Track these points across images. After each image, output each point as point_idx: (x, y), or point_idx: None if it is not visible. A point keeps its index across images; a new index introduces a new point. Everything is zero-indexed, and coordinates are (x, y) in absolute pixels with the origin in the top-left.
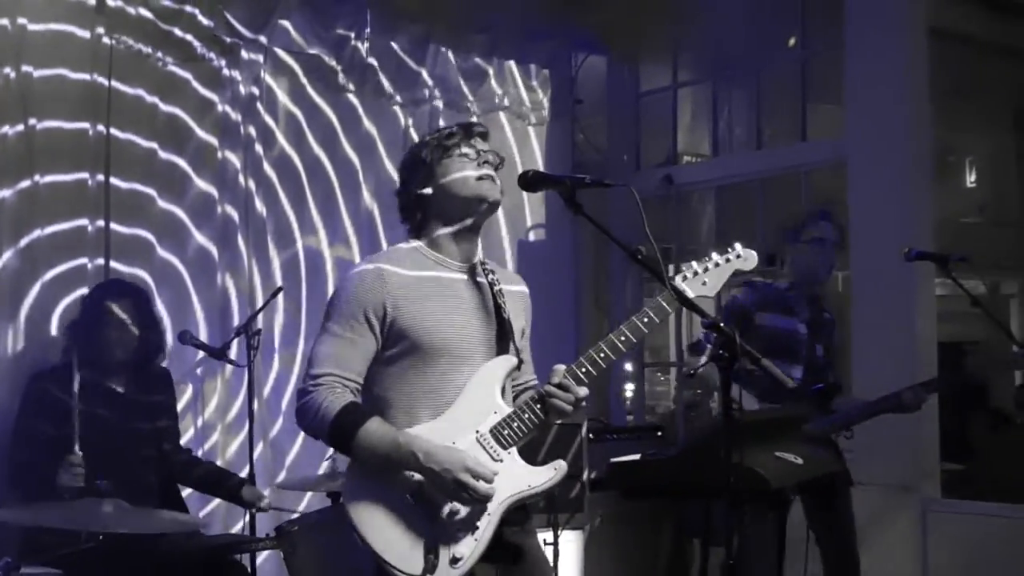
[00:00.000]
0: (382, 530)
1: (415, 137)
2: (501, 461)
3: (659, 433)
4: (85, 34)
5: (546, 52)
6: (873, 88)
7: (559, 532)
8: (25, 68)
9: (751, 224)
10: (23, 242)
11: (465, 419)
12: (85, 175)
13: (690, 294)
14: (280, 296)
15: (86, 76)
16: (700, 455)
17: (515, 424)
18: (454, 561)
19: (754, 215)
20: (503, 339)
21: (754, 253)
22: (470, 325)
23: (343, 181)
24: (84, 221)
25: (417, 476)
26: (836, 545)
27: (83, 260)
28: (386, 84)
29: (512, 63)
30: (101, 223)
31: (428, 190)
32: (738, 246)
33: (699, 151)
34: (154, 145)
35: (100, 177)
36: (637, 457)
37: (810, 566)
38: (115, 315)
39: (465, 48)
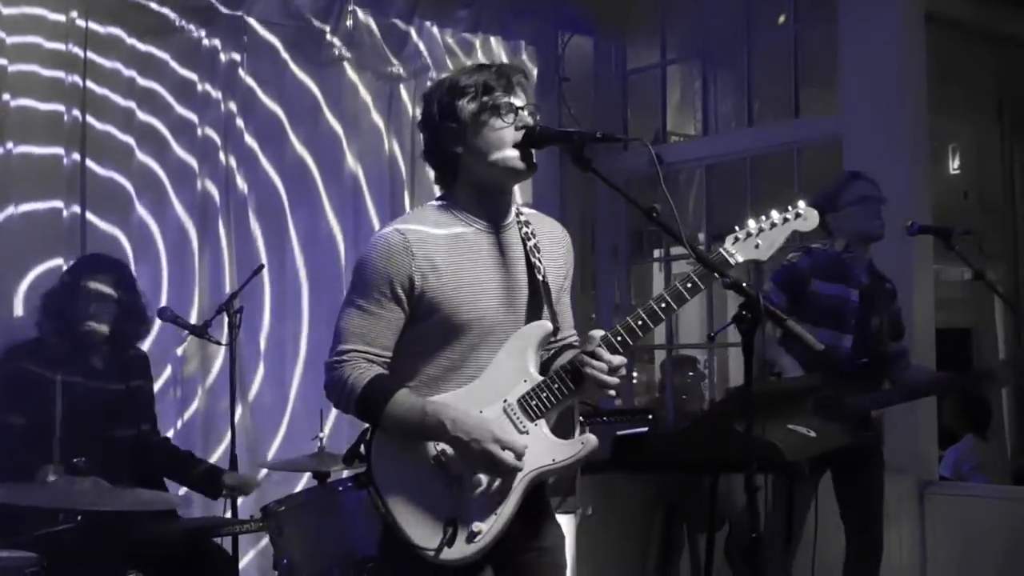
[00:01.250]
0: (402, 500)
1: (409, 106)
2: (527, 432)
3: (650, 416)
4: (59, 17)
5: (532, 29)
6: (868, 63)
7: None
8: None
9: (741, 204)
10: None
11: (493, 387)
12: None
13: (739, 258)
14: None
15: (61, 52)
16: (710, 428)
17: (544, 395)
18: (472, 536)
19: (744, 195)
20: (537, 303)
21: (815, 212)
22: (502, 292)
23: (326, 154)
24: (59, 203)
25: (442, 446)
26: (859, 526)
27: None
28: (370, 56)
29: (498, 39)
30: (77, 208)
31: (459, 148)
32: (800, 204)
33: (687, 131)
34: (131, 105)
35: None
36: (644, 430)
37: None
38: (95, 291)
39: (451, 23)
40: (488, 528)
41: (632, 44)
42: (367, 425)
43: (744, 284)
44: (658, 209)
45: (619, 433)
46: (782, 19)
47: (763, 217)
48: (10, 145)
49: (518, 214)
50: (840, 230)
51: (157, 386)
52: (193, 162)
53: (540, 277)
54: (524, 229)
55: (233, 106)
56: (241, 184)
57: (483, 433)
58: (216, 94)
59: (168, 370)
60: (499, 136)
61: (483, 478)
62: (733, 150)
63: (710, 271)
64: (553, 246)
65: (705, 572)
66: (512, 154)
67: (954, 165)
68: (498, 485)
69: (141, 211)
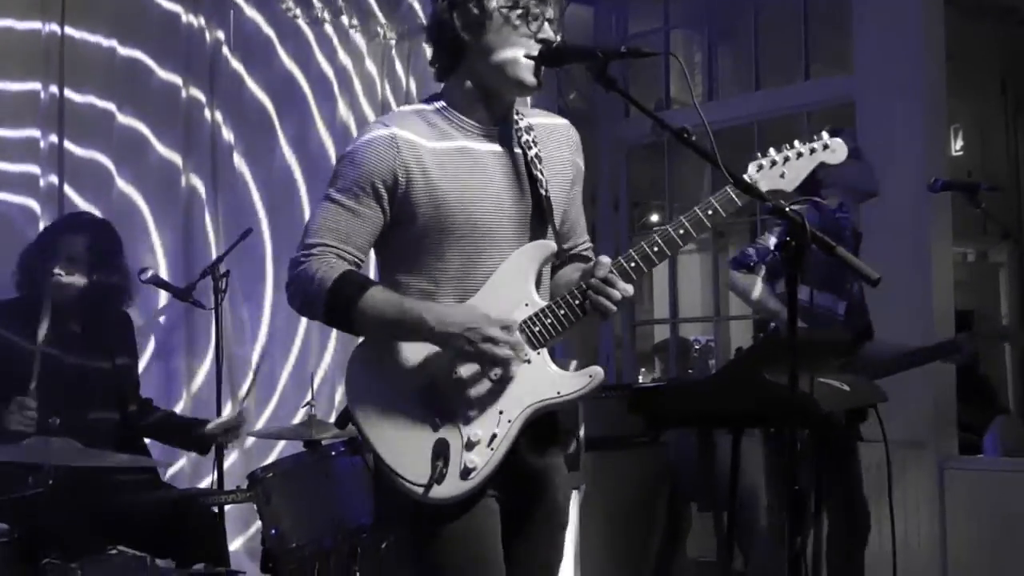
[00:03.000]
0: (384, 431)
1: (401, 68)
2: (528, 361)
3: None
4: None
5: None
6: (882, 20)
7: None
8: None
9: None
10: None
11: (491, 309)
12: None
13: (763, 186)
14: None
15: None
16: (736, 378)
17: (548, 321)
18: (466, 473)
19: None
20: (540, 219)
21: (842, 143)
22: (499, 200)
23: (315, 111)
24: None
25: (434, 368)
26: (842, 502)
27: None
28: (362, 14)
29: None
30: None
31: (470, 37)
32: (825, 134)
33: (689, 100)
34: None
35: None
36: (662, 384)
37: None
38: (69, 242)
39: None
40: (484, 462)
41: (633, 9)
42: None
43: (788, 208)
44: (689, 130)
45: (636, 385)
46: None
47: (786, 145)
48: None
49: (518, 118)
50: (834, 186)
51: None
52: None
53: (543, 191)
54: (524, 136)
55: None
56: (228, 136)
57: (475, 318)
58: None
59: (152, 338)
60: (517, 41)
61: (479, 405)
62: (740, 114)
63: (731, 205)
64: (557, 144)
65: (727, 549)
66: (524, 63)
67: (957, 145)
68: (496, 414)
69: (121, 182)
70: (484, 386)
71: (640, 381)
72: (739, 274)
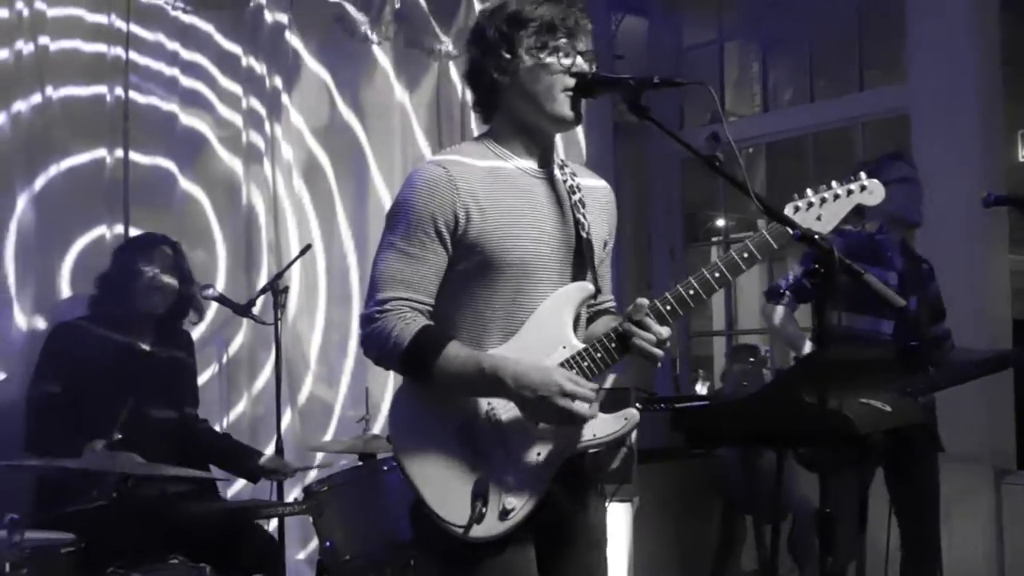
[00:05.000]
0: (427, 471)
1: (458, 84)
2: (594, 390)
3: (706, 403)
4: None
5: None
6: (937, 30)
7: (607, 505)
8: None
9: (802, 183)
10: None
11: (531, 351)
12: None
13: (815, 233)
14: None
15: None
16: (776, 398)
17: (585, 364)
18: (504, 514)
19: (806, 173)
20: (580, 261)
21: (880, 185)
22: (547, 238)
23: (372, 134)
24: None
25: (492, 403)
26: (914, 519)
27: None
28: (418, 33)
29: None
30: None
31: (505, 80)
32: (863, 175)
33: (745, 111)
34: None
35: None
36: (705, 403)
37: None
38: (151, 271)
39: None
40: (521, 504)
41: (687, 21)
42: None
43: (817, 235)
44: (720, 158)
45: (678, 406)
46: None
47: (823, 187)
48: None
49: (562, 164)
50: (877, 212)
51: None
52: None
53: (584, 234)
54: (570, 181)
55: (279, 81)
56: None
57: (550, 386)
58: (260, 68)
59: (212, 350)
60: (551, 79)
61: (518, 449)
62: (794, 126)
63: (775, 234)
64: (596, 205)
65: (771, 563)
66: (560, 99)
67: (1022, 153)
68: (532, 462)
69: (185, 190)
70: (523, 429)
71: (700, 390)
72: (783, 319)
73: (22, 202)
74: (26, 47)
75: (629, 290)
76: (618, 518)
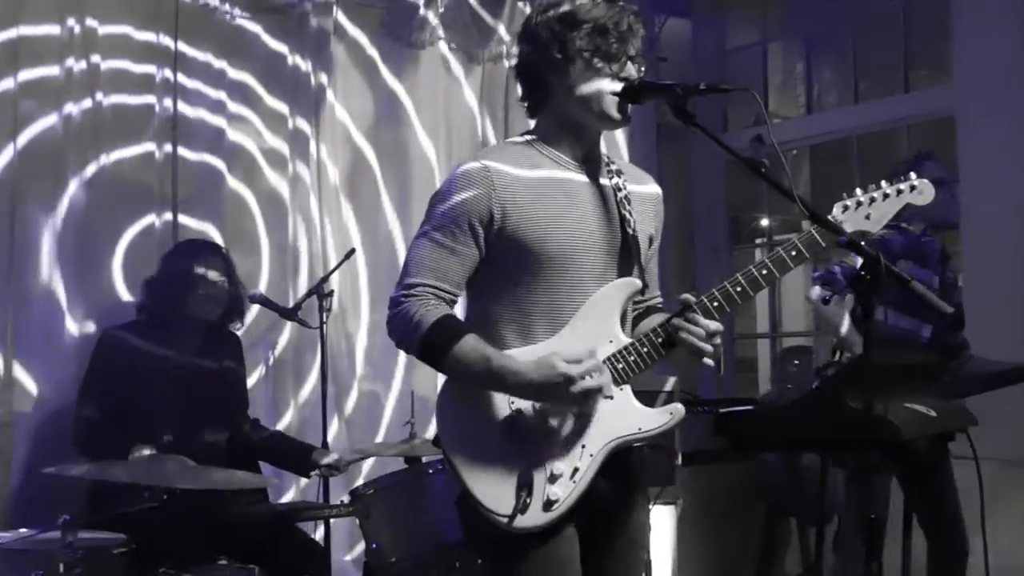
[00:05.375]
0: (472, 462)
1: (503, 89)
2: (611, 397)
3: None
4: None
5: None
6: (984, 29)
7: (650, 507)
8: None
9: (847, 185)
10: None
11: (577, 345)
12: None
13: (848, 228)
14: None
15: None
16: (820, 403)
17: (632, 358)
18: (548, 505)
19: (850, 175)
20: (626, 257)
21: (931, 185)
22: (591, 234)
23: (416, 136)
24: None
25: (516, 403)
26: (937, 527)
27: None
28: (462, 38)
29: None
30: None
31: (555, 79)
32: (912, 175)
33: (789, 112)
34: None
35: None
36: (748, 408)
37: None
38: (203, 275)
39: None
40: (566, 495)
41: (731, 23)
42: None
43: (863, 242)
44: (766, 164)
45: (722, 410)
46: None
47: (872, 186)
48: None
49: (608, 162)
50: (916, 214)
51: (254, 375)
52: (284, 147)
53: (631, 231)
54: (615, 179)
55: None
56: (332, 166)
57: (547, 362)
58: (306, 70)
59: (260, 357)
60: (601, 82)
61: (562, 441)
62: (839, 128)
63: (822, 232)
64: (643, 202)
65: (815, 567)
66: (609, 100)
67: None
68: (578, 449)
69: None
70: (568, 421)
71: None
72: (824, 303)
73: (74, 188)
74: (77, 64)
75: (673, 291)
76: (662, 521)
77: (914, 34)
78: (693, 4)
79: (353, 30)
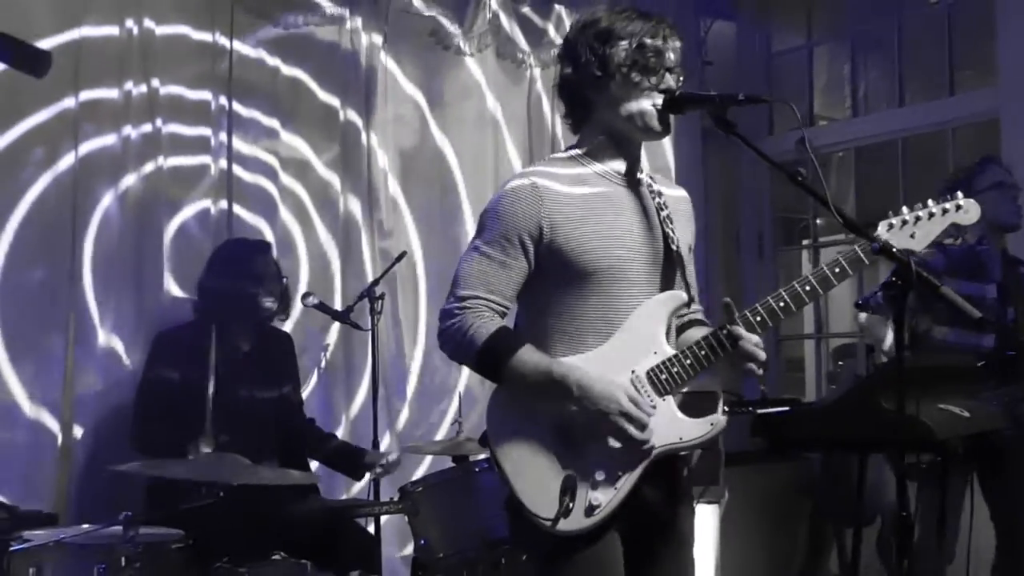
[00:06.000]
0: (519, 465)
1: (544, 96)
2: (654, 407)
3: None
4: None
5: (673, 13)
6: None
7: (694, 506)
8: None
9: (893, 188)
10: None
11: (621, 356)
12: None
13: (893, 246)
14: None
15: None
16: (855, 404)
17: (675, 369)
18: (591, 510)
19: (896, 178)
20: (670, 271)
21: (976, 205)
22: (636, 246)
23: (464, 146)
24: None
25: (567, 408)
26: (1009, 520)
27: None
28: (509, 45)
29: None
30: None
31: (596, 95)
32: (959, 195)
33: (834, 115)
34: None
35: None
36: (786, 409)
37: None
38: (256, 274)
39: (588, 10)
40: (607, 501)
41: (776, 26)
42: None
43: (895, 248)
44: (803, 173)
45: (760, 412)
46: None
47: (919, 205)
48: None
49: (649, 178)
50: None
51: (306, 377)
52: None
53: (674, 246)
54: (657, 199)
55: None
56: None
57: (610, 404)
58: (357, 79)
59: (313, 360)
60: (640, 94)
61: (606, 448)
62: (884, 131)
63: (859, 265)
64: (679, 214)
65: (852, 567)
66: (650, 112)
67: None
68: (621, 457)
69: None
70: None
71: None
72: (870, 316)
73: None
74: (136, 89)
75: (720, 295)
76: (706, 520)
77: (959, 36)
78: (738, 7)
79: (401, 41)
